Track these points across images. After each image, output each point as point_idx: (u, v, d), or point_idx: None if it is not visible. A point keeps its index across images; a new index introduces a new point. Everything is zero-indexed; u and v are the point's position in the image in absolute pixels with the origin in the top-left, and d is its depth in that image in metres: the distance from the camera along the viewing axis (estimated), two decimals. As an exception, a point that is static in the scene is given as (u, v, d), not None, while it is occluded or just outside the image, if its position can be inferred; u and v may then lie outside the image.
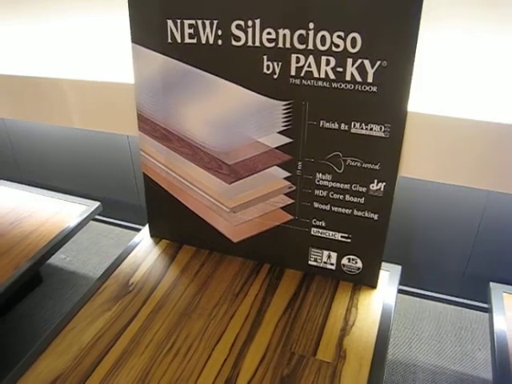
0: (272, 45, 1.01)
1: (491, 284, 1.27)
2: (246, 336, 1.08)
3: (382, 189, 1.06)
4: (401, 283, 1.24)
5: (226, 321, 1.12)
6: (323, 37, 0.97)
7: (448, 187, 1.39)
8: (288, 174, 1.14)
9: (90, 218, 1.69)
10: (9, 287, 1.33)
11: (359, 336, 1.07)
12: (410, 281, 1.64)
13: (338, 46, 0.97)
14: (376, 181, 1.06)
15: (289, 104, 1.06)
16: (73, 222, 1.64)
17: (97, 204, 1.70)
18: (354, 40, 0.95)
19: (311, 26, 0.97)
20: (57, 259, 1.91)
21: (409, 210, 1.50)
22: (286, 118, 1.07)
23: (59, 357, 1.05)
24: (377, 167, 1.04)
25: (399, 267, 1.29)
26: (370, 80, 0.97)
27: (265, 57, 1.03)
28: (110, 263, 1.33)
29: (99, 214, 1.71)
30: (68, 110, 1.44)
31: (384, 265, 1.22)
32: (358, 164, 1.06)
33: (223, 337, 1.08)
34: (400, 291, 1.54)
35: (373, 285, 1.21)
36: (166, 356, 1.04)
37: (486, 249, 1.47)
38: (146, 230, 1.46)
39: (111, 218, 2.13)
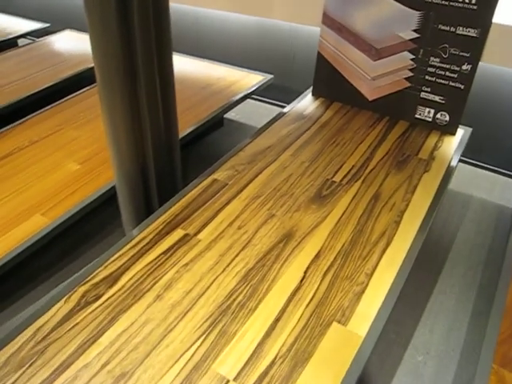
0: (419, -24, 1.81)
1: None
2: (375, 144, 1.93)
3: (469, 69, 1.86)
4: (462, 155, 1.97)
5: (363, 137, 1.97)
6: (450, -26, 1.75)
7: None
8: (413, 57, 1.95)
9: (265, 85, 2.56)
10: (205, 123, 2.19)
11: (443, 152, 1.89)
12: (469, 153, 2.42)
13: (458, -20, 1.75)
14: (466, 63, 1.85)
15: (422, 13, 1.86)
16: (253, 87, 2.50)
17: (271, 76, 2.56)
18: (467, -22, 1.73)
19: (444, -33, 1.75)
20: (230, 115, 2.81)
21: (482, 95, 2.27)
22: (418, 21, 1.87)
23: (266, 140, 1.93)
24: (468, 55, 1.83)
25: (470, 128, 2.08)
26: (473, 2, 1.75)
27: (413, -17, 1.83)
28: (286, 107, 2.19)
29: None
30: (271, 6, 2.30)
31: (460, 126, 2.03)
32: (457, 52, 1.85)
33: (362, 143, 1.94)
34: (461, 161, 2.33)
35: (453, 133, 2.02)
36: (330, 147, 1.91)
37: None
38: (307, 92, 2.32)
39: (262, 96, 3.01)
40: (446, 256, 1.80)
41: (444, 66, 1.88)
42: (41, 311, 1.23)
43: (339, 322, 1.17)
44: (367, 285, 1.27)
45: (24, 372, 1.09)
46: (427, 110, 2.00)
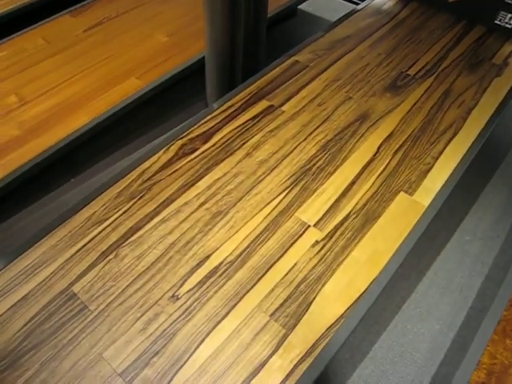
0: None
1: None
2: (450, 45, 1.97)
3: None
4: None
5: (438, 38, 2.02)
6: None
7: None
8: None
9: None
10: (280, 11, 2.25)
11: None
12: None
13: None
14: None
15: None
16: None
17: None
18: None
19: None
20: (303, 6, 2.83)
21: None
22: None
23: (344, 31, 2.01)
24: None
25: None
26: None
27: None
28: (363, 2, 2.23)
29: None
30: None
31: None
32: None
33: (437, 43, 1.99)
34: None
35: (529, 42, 2.05)
36: (405, 43, 1.97)
37: None
38: (386, -12, 2.33)
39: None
40: (502, 159, 1.92)
41: (533, -28, 1.88)
42: (144, 157, 1.42)
43: (406, 192, 1.33)
44: (433, 166, 1.42)
45: (135, 203, 1.30)
46: (509, 15, 2.02)
